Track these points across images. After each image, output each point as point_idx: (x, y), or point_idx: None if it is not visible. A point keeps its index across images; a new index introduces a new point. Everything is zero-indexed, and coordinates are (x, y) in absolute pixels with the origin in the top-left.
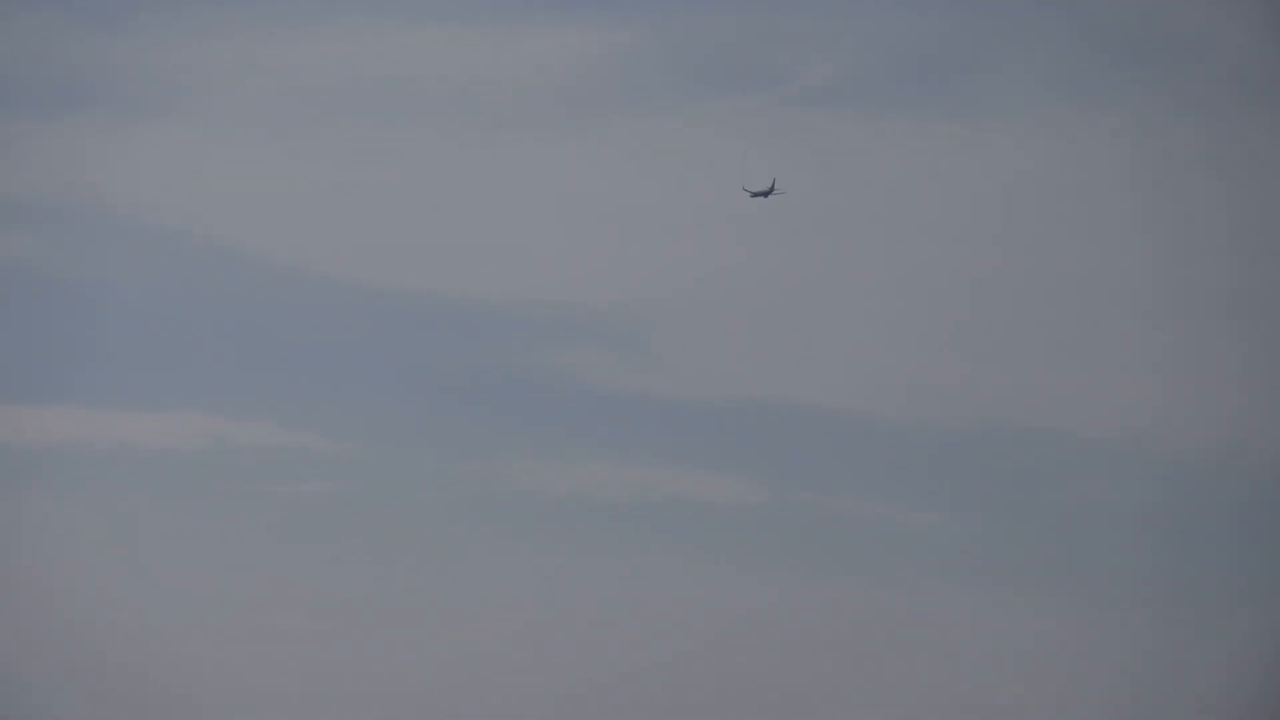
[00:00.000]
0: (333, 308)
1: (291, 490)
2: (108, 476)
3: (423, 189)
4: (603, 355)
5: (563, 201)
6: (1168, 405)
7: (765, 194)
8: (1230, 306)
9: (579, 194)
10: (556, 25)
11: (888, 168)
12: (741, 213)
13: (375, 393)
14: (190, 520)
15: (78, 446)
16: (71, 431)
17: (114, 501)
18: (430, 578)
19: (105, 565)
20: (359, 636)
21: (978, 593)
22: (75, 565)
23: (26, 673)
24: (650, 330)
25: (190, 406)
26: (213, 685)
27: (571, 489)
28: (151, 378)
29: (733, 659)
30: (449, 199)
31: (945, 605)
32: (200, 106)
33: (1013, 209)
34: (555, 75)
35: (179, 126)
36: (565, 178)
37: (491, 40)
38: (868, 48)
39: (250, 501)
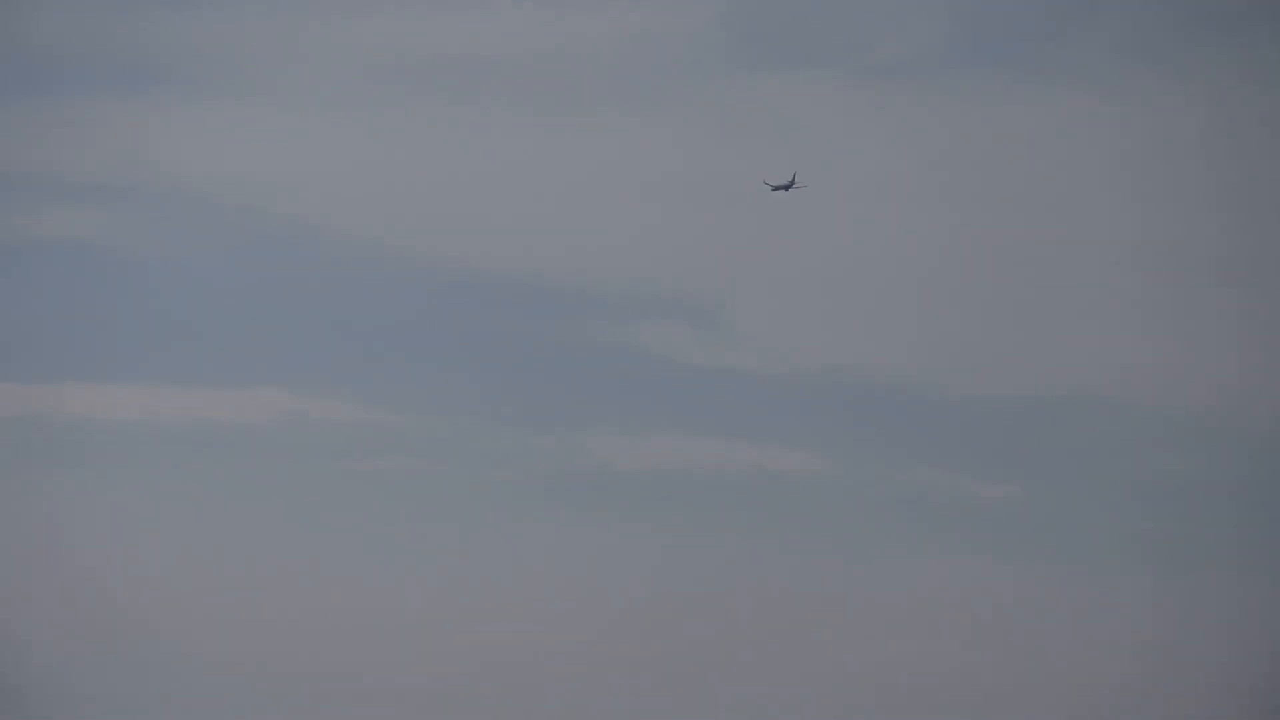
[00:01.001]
0: (409, 284)
1: (368, 466)
2: (187, 453)
3: (498, 166)
4: (679, 330)
5: (638, 177)
6: (1250, 380)
7: (786, 188)
8: None
9: (654, 170)
10: (628, 3)
11: (960, 140)
12: (816, 187)
13: (452, 369)
14: (268, 495)
15: (158, 423)
16: (151, 409)
17: (193, 477)
18: (507, 551)
19: (185, 540)
20: (437, 609)
21: (1053, 565)
22: (155, 540)
23: (109, 642)
24: (726, 305)
25: (268, 383)
26: (290, 655)
27: (647, 462)
28: (230, 355)
29: (809, 629)
30: (525, 176)
31: (1020, 577)
32: (273, 84)
33: (1085, 179)
34: (630, 53)
35: (252, 104)
36: (640, 154)
37: (564, 18)
38: (941, 21)
39: (327, 477)
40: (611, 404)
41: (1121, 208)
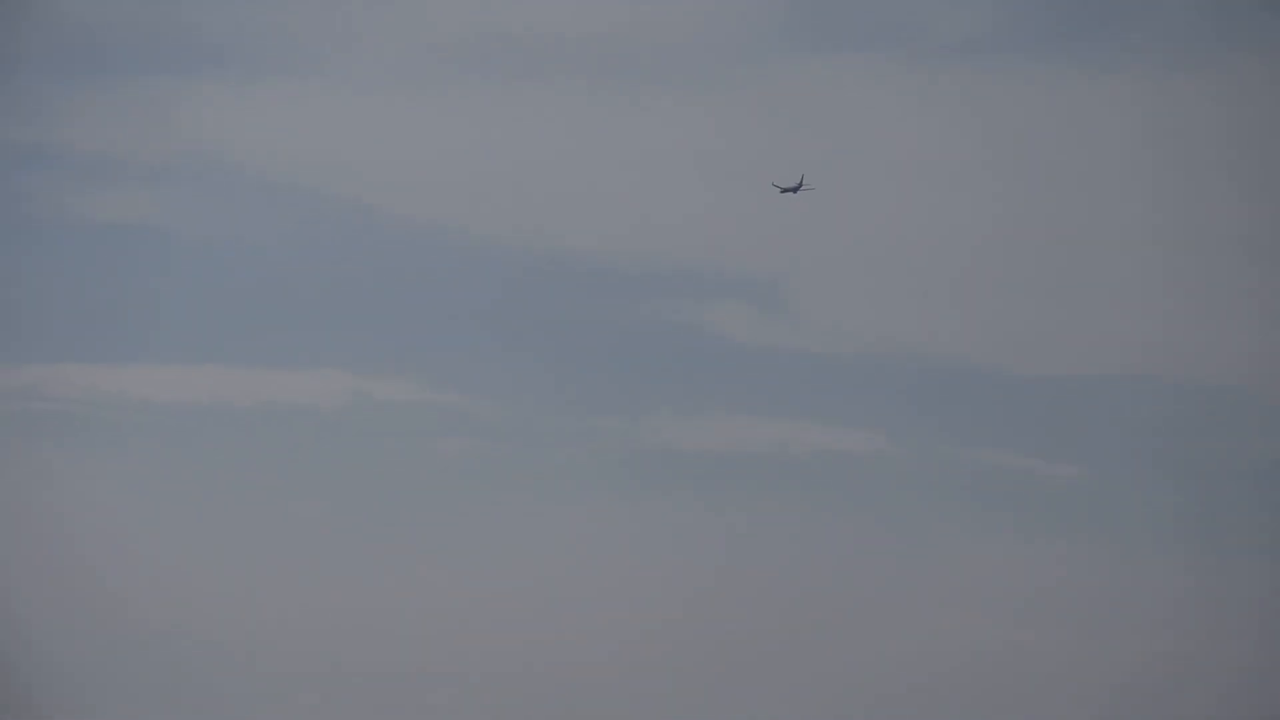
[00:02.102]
0: (471, 266)
1: (431, 447)
2: (251, 435)
3: (558, 146)
4: (741, 310)
5: (700, 158)
6: None
7: (794, 190)
8: None
9: (716, 151)
10: None
11: (1014, 121)
12: (878, 168)
13: (514, 350)
14: (332, 477)
15: (221, 406)
16: (215, 391)
17: (257, 460)
18: (570, 532)
19: (250, 522)
20: (500, 589)
21: (1120, 545)
22: (221, 522)
23: (183, 614)
24: (787, 285)
25: (332, 365)
26: (354, 632)
27: (709, 443)
28: (293, 337)
29: (870, 608)
30: (585, 157)
31: (1086, 558)
32: (331, 64)
33: (1139, 159)
34: (689, 33)
35: (312, 85)
36: (702, 135)
37: None
38: (996, 3)
39: (391, 458)
40: (673, 385)
41: (1174, 187)
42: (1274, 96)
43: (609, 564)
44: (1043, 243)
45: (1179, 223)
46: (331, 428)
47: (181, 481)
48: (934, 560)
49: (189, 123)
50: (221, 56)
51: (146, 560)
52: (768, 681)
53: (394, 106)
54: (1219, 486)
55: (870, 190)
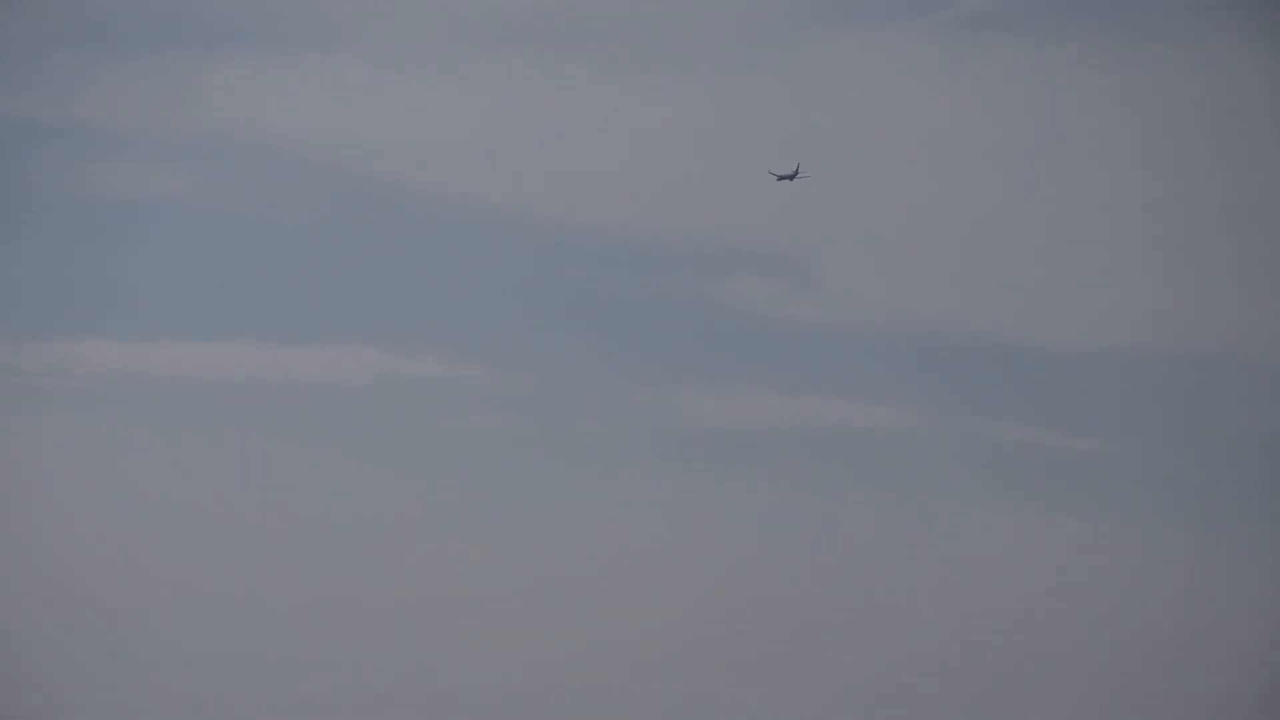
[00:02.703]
0: (499, 242)
1: (457, 424)
2: (278, 410)
3: (584, 121)
4: (768, 285)
5: (726, 132)
6: None
7: (790, 177)
8: None
9: (743, 124)
10: None
11: (1046, 94)
12: (904, 140)
13: (541, 326)
14: (357, 454)
15: (248, 381)
16: (242, 367)
17: (283, 435)
18: (596, 508)
19: (277, 497)
20: (523, 567)
21: (1143, 520)
22: (248, 497)
23: (196, 594)
24: (815, 261)
25: (358, 341)
26: (379, 613)
27: (737, 419)
28: (319, 313)
29: (898, 584)
30: (612, 131)
31: (1112, 533)
32: (359, 40)
33: (1175, 132)
34: (719, 7)
35: (339, 61)
36: (729, 108)
37: None
38: None
39: (417, 435)
40: (701, 361)
41: (1212, 162)
42: None
43: (635, 540)
44: (1068, 217)
45: (1212, 197)
46: (360, 405)
47: (209, 458)
48: (959, 535)
49: (214, 99)
50: (247, 32)
51: (173, 537)
52: (794, 657)
53: (420, 83)
54: (1244, 461)
55: (895, 166)
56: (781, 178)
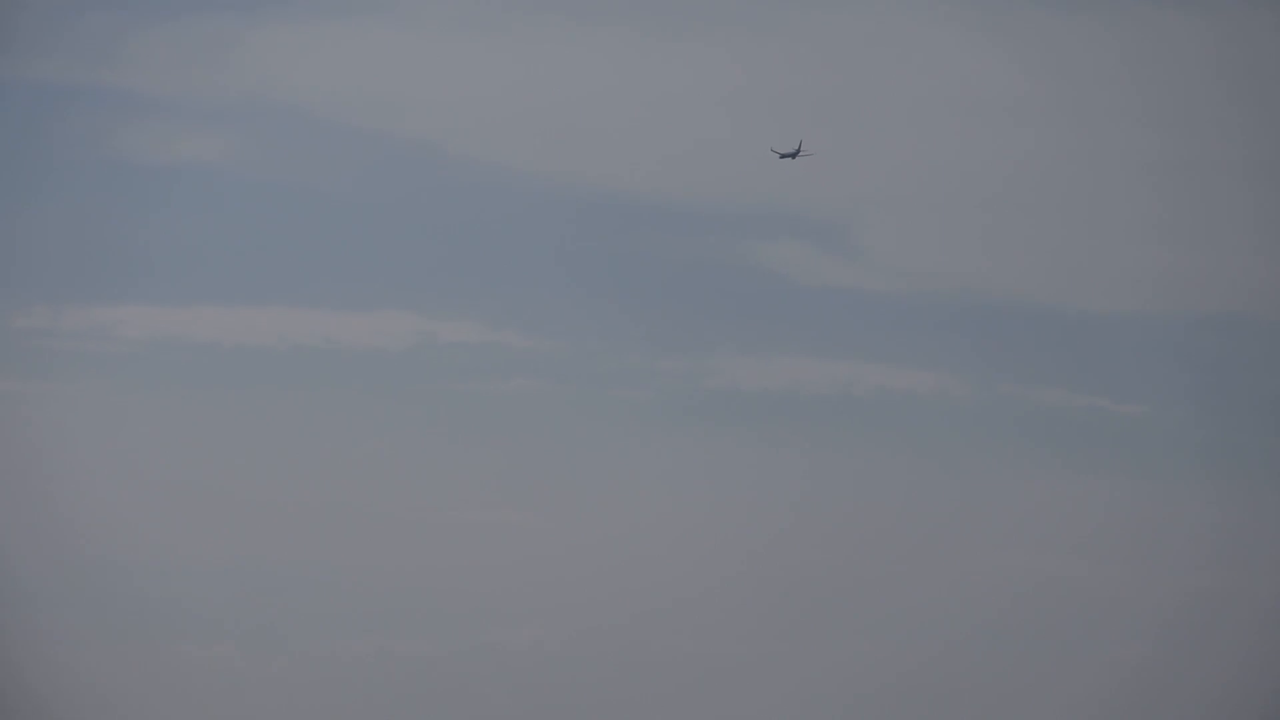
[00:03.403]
0: (535, 207)
1: (496, 388)
2: (317, 375)
3: (623, 86)
4: (805, 249)
5: (764, 96)
6: None
7: (793, 155)
8: None
9: (781, 88)
10: None
11: (1087, 56)
12: (944, 104)
13: (578, 290)
14: (396, 419)
15: (288, 346)
16: (281, 331)
17: (324, 399)
18: (634, 472)
19: (313, 461)
20: (561, 531)
21: (1188, 484)
22: (284, 460)
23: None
24: (852, 224)
25: (397, 306)
26: (419, 577)
27: (774, 384)
28: (358, 278)
29: (936, 549)
30: (650, 97)
31: (1155, 497)
32: (395, 4)
33: (1216, 94)
34: None
35: (378, 24)
36: (767, 73)
37: None
38: None
39: (456, 399)
40: (738, 325)
41: (1253, 124)
42: None
43: (673, 504)
44: (1109, 179)
45: (1239, 157)
46: (398, 368)
47: (247, 423)
48: (997, 499)
49: (253, 63)
50: None
51: (211, 503)
52: (833, 620)
53: (457, 47)
54: (1277, 424)
55: (928, 128)
56: (784, 155)
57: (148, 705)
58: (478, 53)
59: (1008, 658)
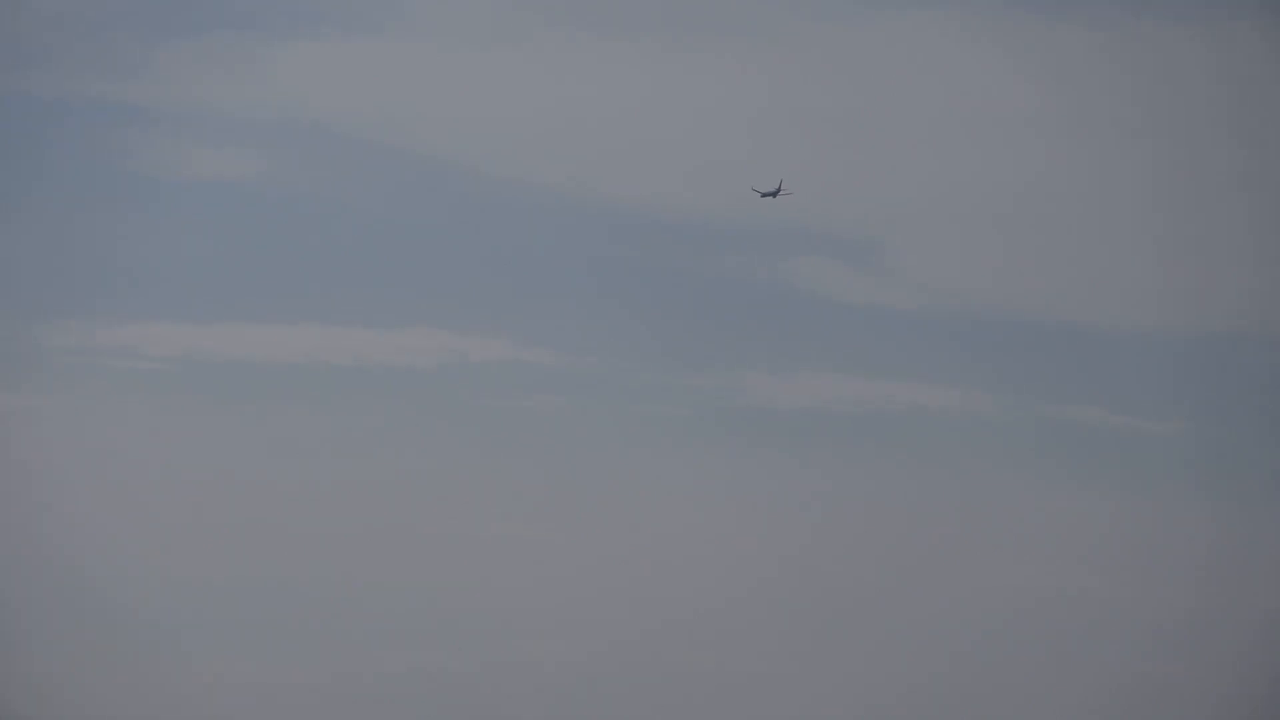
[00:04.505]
0: (564, 224)
1: (524, 405)
2: (347, 392)
3: (652, 103)
4: (835, 267)
5: (792, 111)
6: None
7: (773, 194)
8: None
9: (808, 104)
10: None
11: (1115, 72)
12: (972, 120)
13: (608, 308)
14: (425, 436)
15: (318, 364)
16: (312, 349)
17: (354, 417)
18: (664, 490)
19: (344, 477)
20: (590, 546)
21: (1221, 503)
22: (315, 477)
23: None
24: (884, 241)
25: (427, 324)
26: (447, 593)
27: (803, 401)
28: (388, 296)
29: (968, 566)
30: (675, 111)
31: (1188, 515)
32: (425, 22)
33: (1250, 110)
34: None
35: (401, 41)
36: (794, 87)
37: None
38: None
39: (485, 416)
40: (767, 342)
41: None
42: None
43: (701, 522)
44: (1143, 197)
45: (1264, 177)
46: (428, 386)
47: (276, 441)
48: (1026, 516)
49: (281, 80)
50: (308, 13)
51: (240, 518)
52: (861, 638)
53: (487, 64)
54: None
55: (965, 145)
56: (765, 194)
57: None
58: (507, 70)
59: (1033, 672)
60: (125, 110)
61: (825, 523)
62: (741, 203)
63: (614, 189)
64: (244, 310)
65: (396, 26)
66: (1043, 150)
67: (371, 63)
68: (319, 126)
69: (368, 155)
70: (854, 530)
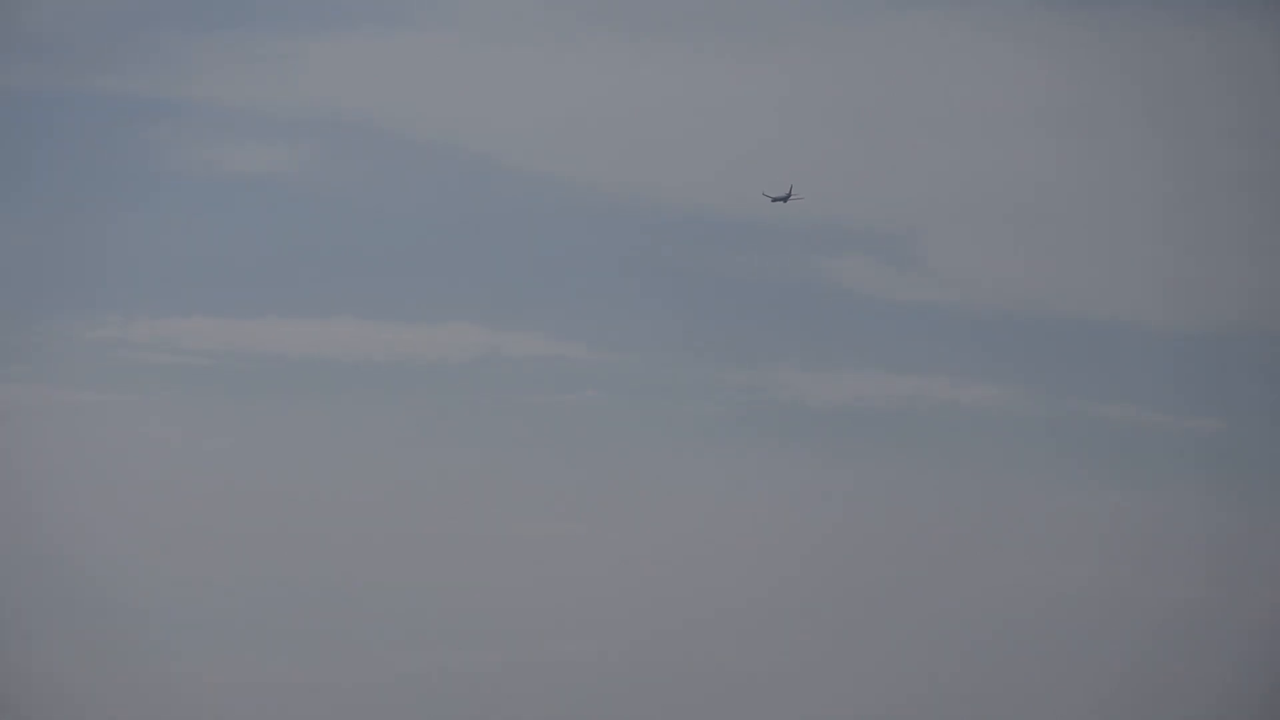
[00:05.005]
0: (600, 220)
1: (560, 400)
2: (382, 387)
3: (688, 100)
4: (870, 264)
5: (825, 108)
6: None
7: (784, 199)
8: None
9: (841, 100)
10: None
11: (1148, 69)
12: (1010, 119)
13: (644, 303)
14: (461, 430)
15: (355, 358)
16: (348, 343)
17: (388, 411)
18: (699, 486)
19: (378, 472)
20: (624, 543)
21: (1259, 501)
22: (351, 472)
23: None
24: (920, 238)
25: (462, 319)
26: (482, 587)
27: (839, 398)
28: (424, 290)
29: (1002, 563)
30: (715, 109)
31: (1226, 514)
32: (462, 18)
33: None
34: None
35: (441, 39)
36: (828, 84)
37: None
38: None
39: (520, 411)
40: (803, 339)
41: None
42: None
43: (736, 517)
44: (1184, 194)
45: None
46: (463, 381)
47: (313, 434)
48: (1066, 515)
49: (320, 77)
50: (350, 10)
51: (278, 512)
52: (898, 632)
53: (523, 60)
54: None
55: (1001, 142)
56: (775, 199)
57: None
58: (542, 66)
59: (1068, 668)
60: (160, 106)
61: (857, 518)
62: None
63: (648, 185)
64: (279, 305)
65: (430, 22)
66: (1076, 146)
67: (405, 58)
68: (353, 122)
69: (401, 150)
70: (886, 526)
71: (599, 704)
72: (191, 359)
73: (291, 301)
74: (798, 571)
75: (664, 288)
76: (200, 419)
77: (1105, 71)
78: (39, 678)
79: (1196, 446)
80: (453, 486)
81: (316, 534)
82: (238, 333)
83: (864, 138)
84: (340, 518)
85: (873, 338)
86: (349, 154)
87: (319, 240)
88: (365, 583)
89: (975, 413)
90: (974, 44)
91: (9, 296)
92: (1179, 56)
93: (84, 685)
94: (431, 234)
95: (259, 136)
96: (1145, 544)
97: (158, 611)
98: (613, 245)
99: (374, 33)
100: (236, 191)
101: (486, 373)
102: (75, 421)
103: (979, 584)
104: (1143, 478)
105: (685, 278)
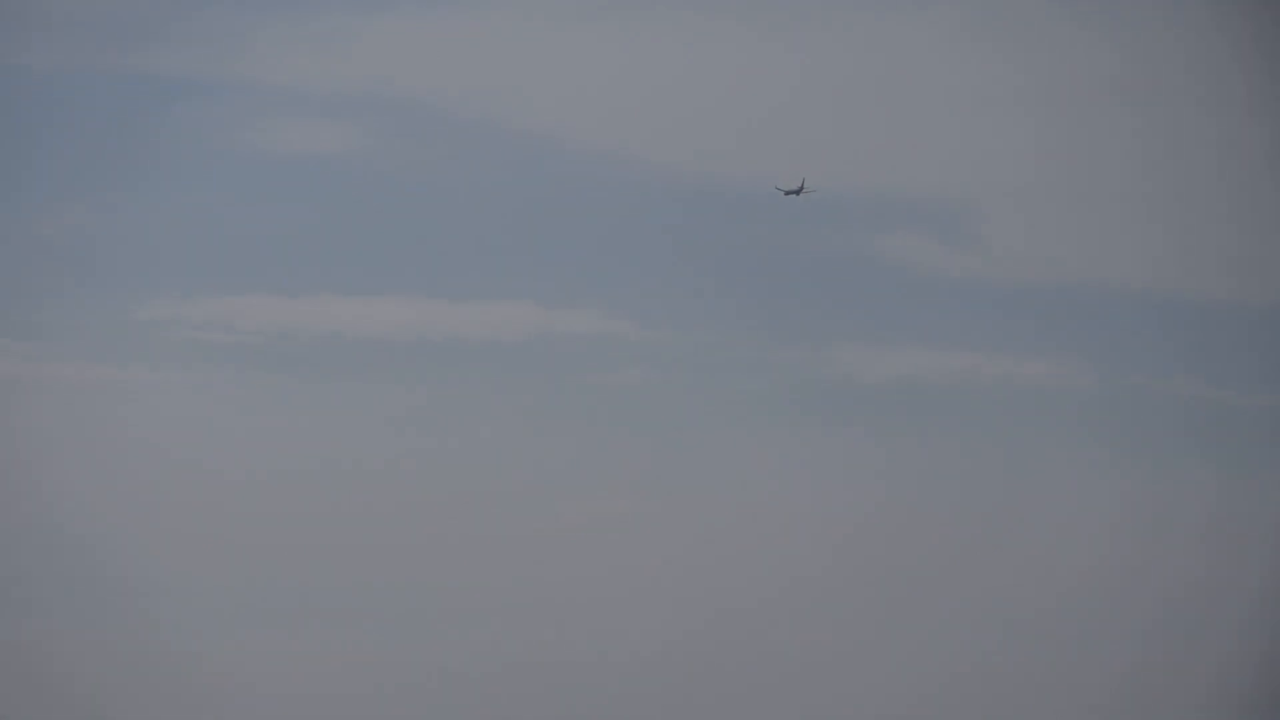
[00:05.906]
0: (652, 197)
1: (612, 379)
2: (434, 365)
3: (739, 73)
4: (926, 239)
5: (885, 83)
6: None
7: (796, 192)
8: None
9: (902, 75)
10: None
11: (1209, 40)
12: (1067, 92)
13: (695, 281)
14: (514, 409)
15: (407, 336)
16: (402, 322)
17: (440, 389)
18: (749, 464)
19: (431, 452)
20: (676, 522)
21: None
22: (404, 452)
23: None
24: (974, 213)
25: (514, 296)
26: (536, 567)
27: (894, 374)
28: (476, 269)
29: (1058, 538)
30: (767, 83)
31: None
32: None
33: None
34: None
35: (490, 15)
36: (888, 58)
37: None
38: None
39: (572, 390)
40: (856, 315)
41: None
42: None
43: (790, 495)
44: (1236, 166)
45: None
46: (517, 360)
47: (367, 414)
48: (1123, 490)
49: (372, 55)
50: None
51: (330, 491)
52: (952, 609)
53: (574, 36)
54: None
55: (1056, 116)
56: (788, 193)
57: (269, 692)
58: (594, 42)
59: (1146, 650)
60: (218, 86)
61: (912, 495)
62: (830, 175)
63: (703, 161)
64: (333, 283)
65: (484, 1)
66: (1133, 120)
67: (459, 37)
68: (410, 100)
69: (456, 128)
70: (945, 505)
71: (657, 682)
72: (245, 338)
73: (344, 280)
74: (853, 549)
75: (716, 265)
76: (254, 398)
77: (1167, 44)
78: (90, 653)
79: (1265, 422)
80: (503, 465)
81: (370, 511)
82: (292, 311)
83: (923, 112)
84: (392, 495)
85: (925, 313)
86: (404, 132)
87: (372, 218)
88: (414, 558)
89: (1032, 388)
90: (1034, 15)
91: (65, 275)
92: (1245, 28)
93: (127, 666)
94: (484, 212)
95: (312, 115)
96: (1208, 521)
97: (202, 594)
98: (665, 222)
99: (419, 8)
100: (292, 169)
101: (537, 351)
102: (129, 401)
103: (1040, 562)
104: (1206, 454)
105: (737, 254)
